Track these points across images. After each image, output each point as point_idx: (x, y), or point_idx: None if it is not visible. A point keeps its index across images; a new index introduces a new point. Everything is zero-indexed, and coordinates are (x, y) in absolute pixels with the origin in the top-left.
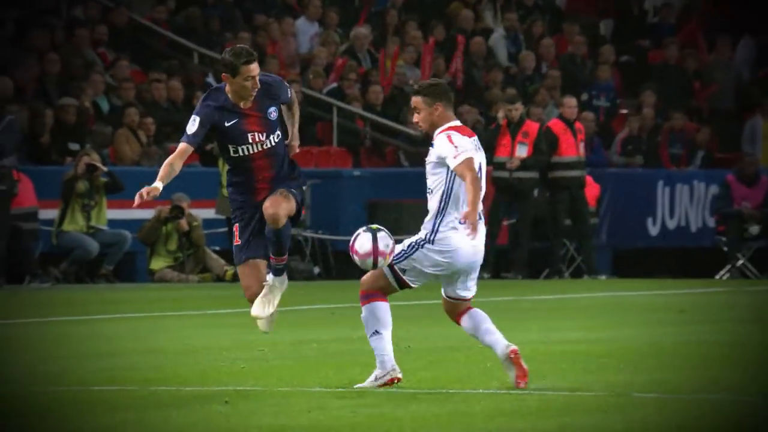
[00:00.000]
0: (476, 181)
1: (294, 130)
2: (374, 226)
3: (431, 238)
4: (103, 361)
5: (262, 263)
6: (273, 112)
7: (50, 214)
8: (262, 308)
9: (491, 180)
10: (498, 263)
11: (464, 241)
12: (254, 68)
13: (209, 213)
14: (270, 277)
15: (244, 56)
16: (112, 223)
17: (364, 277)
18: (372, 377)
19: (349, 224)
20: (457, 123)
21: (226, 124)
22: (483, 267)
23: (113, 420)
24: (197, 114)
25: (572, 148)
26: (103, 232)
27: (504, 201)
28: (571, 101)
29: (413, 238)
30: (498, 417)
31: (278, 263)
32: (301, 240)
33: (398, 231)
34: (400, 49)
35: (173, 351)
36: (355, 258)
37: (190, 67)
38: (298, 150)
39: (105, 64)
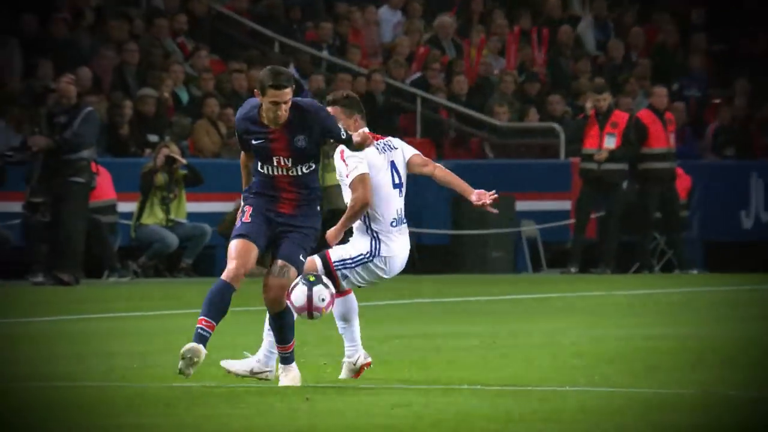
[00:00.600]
0: (357, 202)
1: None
2: (311, 276)
3: (377, 250)
4: None
5: (256, 251)
6: (300, 140)
7: (129, 207)
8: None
9: (579, 172)
10: (586, 257)
11: (399, 248)
12: (281, 94)
13: None
14: (281, 368)
15: (274, 79)
16: (192, 216)
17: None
18: (253, 359)
19: (432, 218)
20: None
21: (254, 142)
22: (570, 261)
23: (193, 415)
24: (236, 126)
25: (662, 139)
26: (183, 225)
27: (592, 193)
28: (661, 91)
29: (358, 249)
30: (585, 414)
31: (285, 352)
32: None
33: (483, 226)
34: (485, 38)
35: (254, 347)
36: (292, 308)
37: (270, 57)
38: (359, 138)
39: (184, 54)
